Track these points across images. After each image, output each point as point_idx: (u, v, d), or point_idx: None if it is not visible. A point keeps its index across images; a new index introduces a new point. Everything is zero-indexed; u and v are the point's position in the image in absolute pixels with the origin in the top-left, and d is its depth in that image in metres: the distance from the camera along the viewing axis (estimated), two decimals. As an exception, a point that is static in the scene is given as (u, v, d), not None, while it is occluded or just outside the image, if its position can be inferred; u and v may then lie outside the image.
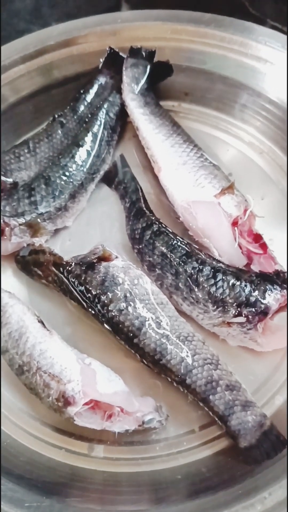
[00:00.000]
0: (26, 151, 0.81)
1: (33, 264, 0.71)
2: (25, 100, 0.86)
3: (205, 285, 0.63)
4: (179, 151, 0.75)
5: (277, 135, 0.80)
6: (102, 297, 0.63)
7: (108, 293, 0.63)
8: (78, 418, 0.58)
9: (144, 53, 0.84)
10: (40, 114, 0.87)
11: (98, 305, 0.64)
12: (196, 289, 0.64)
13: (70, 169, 0.77)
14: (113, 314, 0.63)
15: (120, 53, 0.85)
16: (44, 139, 0.82)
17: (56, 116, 0.84)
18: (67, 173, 0.77)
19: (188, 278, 0.64)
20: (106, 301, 0.63)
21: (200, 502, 0.54)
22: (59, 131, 0.83)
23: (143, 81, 0.84)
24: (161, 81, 0.86)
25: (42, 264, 0.70)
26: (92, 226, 0.78)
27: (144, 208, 0.74)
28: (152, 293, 0.64)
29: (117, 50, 0.85)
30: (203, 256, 0.66)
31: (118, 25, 0.85)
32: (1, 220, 0.72)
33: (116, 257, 0.67)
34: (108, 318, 0.63)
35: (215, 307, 0.63)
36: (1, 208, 0.73)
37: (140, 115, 0.80)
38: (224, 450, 0.60)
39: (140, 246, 0.70)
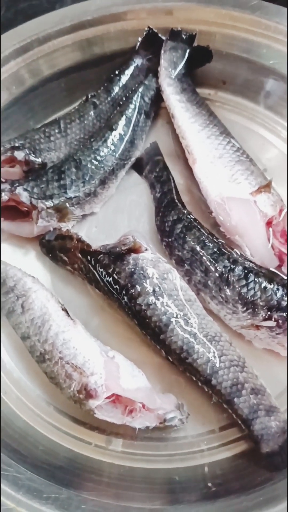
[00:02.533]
0: (56, 131, 0.79)
1: (59, 250, 0.70)
2: (57, 76, 0.84)
3: (236, 286, 0.62)
4: (216, 143, 0.74)
5: None
6: (131, 290, 0.63)
7: (137, 286, 0.62)
8: (99, 411, 0.58)
9: (184, 36, 0.82)
10: (71, 92, 0.85)
11: (126, 297, 0.63)
12: (226, 289, 0.63)
13: (102, 154, 0.76)
14: (141, 308, 0.62)
15: (159, 34, 0.82)
16: (75, 119, 0.80)
17: (89, 96, 0.82)
18: (98, 158, 0.75)
19: (219, 277, 0.63)
20: (134, 294, 0.62)
21: (219, 506, 0.54)
22: (92, 112, 0.81)
23: (181, 65, 0.82)
24: (199, 67, 0.83)
25: (68, 250, 0.69)
26: (120, 214, 0.77)
27: (176, 200, 0.72)
28: (181, 289, 0.64)
29: (156, 31, 0.82)
30: (235, 255, 0.65)
31: (158, 4, 0.81)
32: (29, 202, 0.71)
33: (146, 249, 0.66)
34: (135, 311, 0.62)
35: (245, 308, 0.62)
36: (29, 189, 0.72)
37: (176, 102, 0.78)
38: (244, 453, 0.60)
39: (170, 239, 0.69)
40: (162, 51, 0.81)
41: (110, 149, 0.76)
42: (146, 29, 0.82)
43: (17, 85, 0.81)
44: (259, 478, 0.56)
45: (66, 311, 0.65)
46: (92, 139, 0.77)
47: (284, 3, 0.78)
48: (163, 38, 0.82)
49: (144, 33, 0.83)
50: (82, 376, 0.58)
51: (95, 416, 0.57)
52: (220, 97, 0.84)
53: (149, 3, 0.82)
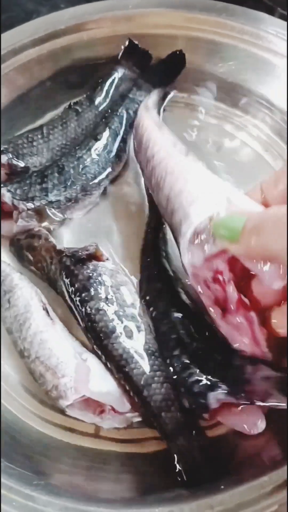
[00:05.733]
0: (39, 136, 0.80)
1: (26, 248, 0.72)
2: (35, 85, 0.85)
3: None
4: None
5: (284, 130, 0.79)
6: (84, 292, 0.64)
7: (91, 289, 0.64)
8: (70, 409, 0.61)
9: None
10: (51, 99, 0.86)
11: (78, 299, 0.64)
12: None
13: (85, 162, 0.77)
14: (91, 311, 0.63)
15: (140, 46, 0.83)
16: (58, 126, 0.82)
17: (72, 104, 0.83)
18: (81, 165, 0.77)
19: None
20: (86, 298, 0.64)
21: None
22: (74, 119, 0.82)
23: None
24: (177, 74, 0.84)
25: (35, 249, 0.71)
26: (102, 224, 0.77)
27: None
28: (133, 303, 0.65)
29: (136, 42, 0.83)
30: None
31: (129, 11, 0.82)
32: (11, 203, 0.73)
33: (107, 259, 0.68)
34: (84, 314, 0.64)
35: None
36: (12, 190, 0.73)
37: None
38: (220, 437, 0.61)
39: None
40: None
41: (94, 158, 0.78)
42: (126, 42, 0.83)
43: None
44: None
45: (47, 311, 0.67)
46: (77, 147, 0.79)
47: (250, 5, 0.78)
48: (142, 48, 0.83)
49: (126, 44, 0.83)
50: (54, 377, 0.61)
51: (67, 413, 0.61)
52: (193, 99, 0.85)
53: (119, 10, 0.82)
